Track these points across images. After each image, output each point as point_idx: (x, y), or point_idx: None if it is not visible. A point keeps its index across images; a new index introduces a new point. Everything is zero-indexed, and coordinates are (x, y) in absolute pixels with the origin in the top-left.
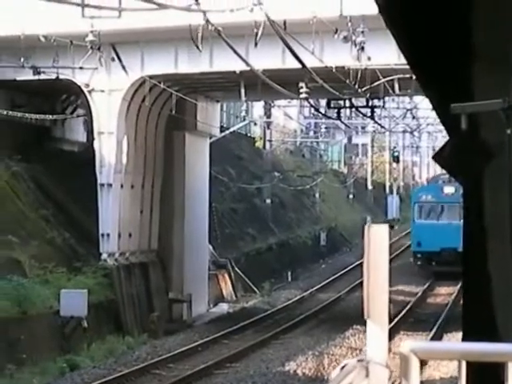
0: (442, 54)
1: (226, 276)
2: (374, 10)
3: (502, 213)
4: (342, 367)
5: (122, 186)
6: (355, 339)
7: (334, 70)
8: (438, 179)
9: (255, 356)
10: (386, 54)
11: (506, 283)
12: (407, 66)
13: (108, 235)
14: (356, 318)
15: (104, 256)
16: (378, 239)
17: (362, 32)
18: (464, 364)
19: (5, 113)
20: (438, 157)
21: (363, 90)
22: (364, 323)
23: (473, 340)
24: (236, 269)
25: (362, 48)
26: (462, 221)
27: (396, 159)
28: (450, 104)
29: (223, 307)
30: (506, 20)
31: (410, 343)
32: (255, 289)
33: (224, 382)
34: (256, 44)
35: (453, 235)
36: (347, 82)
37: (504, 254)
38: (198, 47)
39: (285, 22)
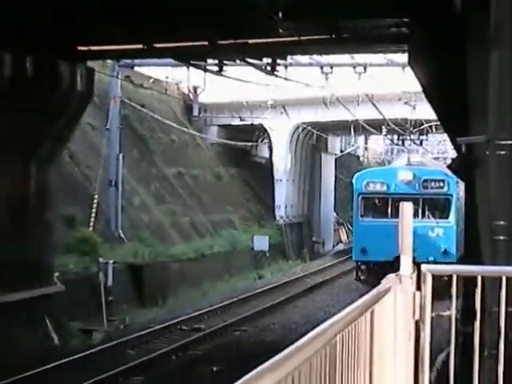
0: (456, 116)
1: (343, 228)
2: None
3: (478, 207)
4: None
5: (287, 181)
6: None
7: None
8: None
9: None
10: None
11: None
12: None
13: (279, 206)
14: None
15: (277, 218)
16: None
17: None
18: (455, 276)
19: (225, 141)
20: (450, 168)
21: (415, 130)
22: None
23: None
24: (348, 225)
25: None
26: (422, 219)
27: None
28: (457, 138)
29: (341, 246)
30: (484, 94)
31: (426, 266)
32: None
33: (340, 284)
34: (358, 103)
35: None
36: (406, 126)
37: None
38: (326, 105)
39: (372, 96)
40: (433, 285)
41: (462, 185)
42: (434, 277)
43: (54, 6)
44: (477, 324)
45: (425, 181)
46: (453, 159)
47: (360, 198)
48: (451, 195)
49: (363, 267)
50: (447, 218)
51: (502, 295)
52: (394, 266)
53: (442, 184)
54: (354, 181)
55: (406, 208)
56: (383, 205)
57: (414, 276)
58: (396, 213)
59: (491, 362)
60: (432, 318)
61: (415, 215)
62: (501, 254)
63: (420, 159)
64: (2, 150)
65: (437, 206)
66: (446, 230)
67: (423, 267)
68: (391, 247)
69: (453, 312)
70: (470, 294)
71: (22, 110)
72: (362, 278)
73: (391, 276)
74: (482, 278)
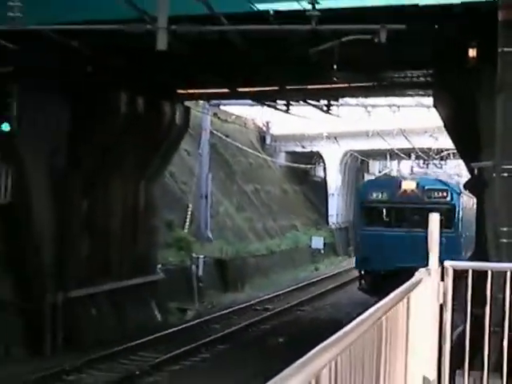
0: (470, 146)
1: None
2: None
3: (487, 217)
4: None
5: (338, 195)
6: None
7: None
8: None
9: None
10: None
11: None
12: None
13: (332, 215)
14: None
15: (330, 223)
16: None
17: None
18: (470, 270)
19: (290, 164)
20: (465, 187)
21: (437, 156)
22: None
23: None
24: None
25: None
26: (425, 229)
27: None
28: (470, 163)
29: None
30: (492, 128)
31: (449, 262)
32: None
33: None
34: (393, 135)
35: (413, 249)
36: (430, 153)
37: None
38: (368, 136)
39: (404, 130)
40: (454, 277)
41: (465, 196)
42: (454, 270)
43: (161, 59)
44: (487, 307)
45: (428, 190)
46: (467, 180)
47: (363, 207)
48: (454, 205)
49: (366, 276)
50: (450, 227)
51: (506, 285)
52: (395, 275)
53: (445, 194)
54: (358, 190)
55: (434, 218)
56: (386, 214)
57: (439, 270)
58: (399, 222)
59: (496, 337)
60: (452, 303)
61: (418, 225)
62: (503, 253)
63: (423, 170)
64: (119, 173)
65: (440, 216)
66: (448, 240)
67: (446, 263)
68: (393, 257)
69: (468, 298)
70: (481, 284)
71: (136, 142)
72: (364, 287)
73: (422, 270)
74: (491, 272)
